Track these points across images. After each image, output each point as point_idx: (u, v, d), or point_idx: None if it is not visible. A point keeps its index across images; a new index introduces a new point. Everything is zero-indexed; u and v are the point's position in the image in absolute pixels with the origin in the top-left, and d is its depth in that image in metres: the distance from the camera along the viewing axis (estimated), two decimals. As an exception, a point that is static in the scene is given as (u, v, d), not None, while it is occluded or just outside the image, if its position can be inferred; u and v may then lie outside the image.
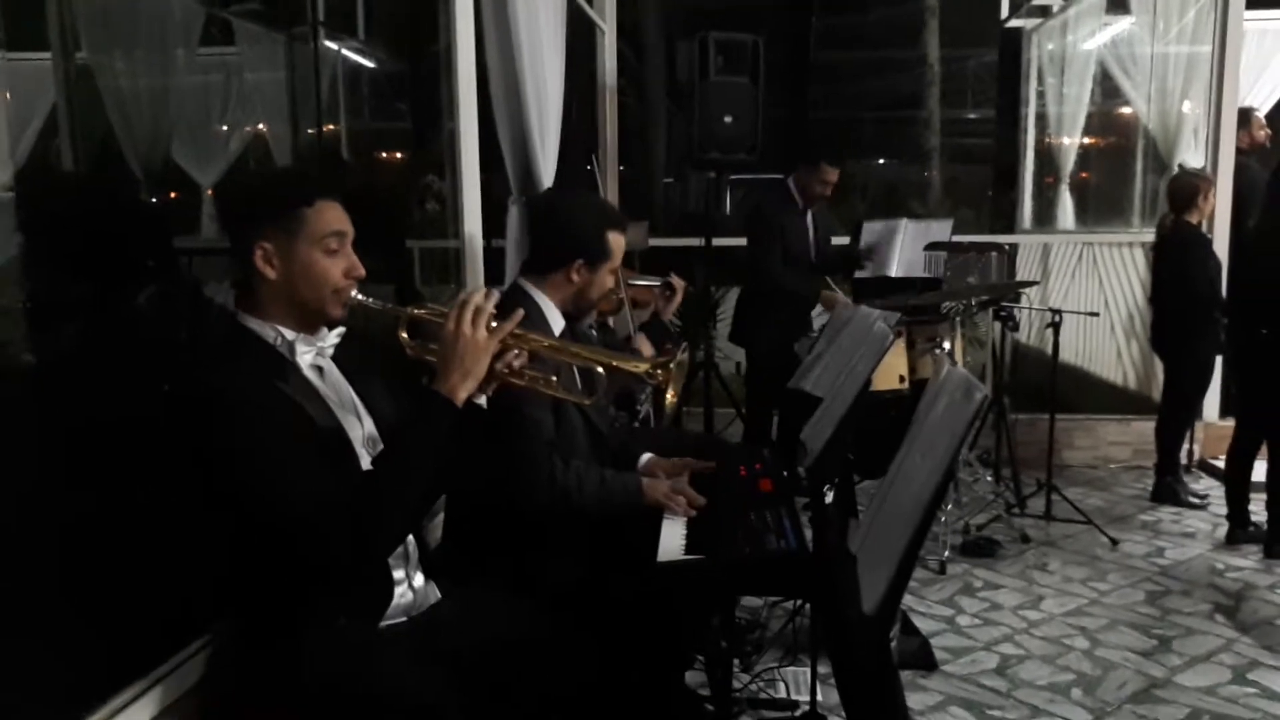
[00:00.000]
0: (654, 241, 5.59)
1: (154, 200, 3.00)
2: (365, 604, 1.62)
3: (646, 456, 2.44)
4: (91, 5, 2.84)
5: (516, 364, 1.65)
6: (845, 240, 4.91)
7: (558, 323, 2.28)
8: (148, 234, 2.65)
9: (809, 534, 2.00)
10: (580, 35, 5.04)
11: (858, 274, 4.73)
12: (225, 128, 3.73)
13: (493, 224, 3.34)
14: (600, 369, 1.74)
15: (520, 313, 1.66)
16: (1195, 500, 4.53)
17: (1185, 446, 4.82)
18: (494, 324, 1.59)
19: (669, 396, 1.75)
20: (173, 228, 3.09)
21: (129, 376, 1.93)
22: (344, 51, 5.50)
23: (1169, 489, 4.58)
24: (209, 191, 3.50)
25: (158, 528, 1.80)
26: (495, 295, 1.62)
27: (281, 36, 3.97)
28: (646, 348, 3.06)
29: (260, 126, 4.01)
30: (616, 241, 2.30)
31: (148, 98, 2.96)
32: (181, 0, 3.28)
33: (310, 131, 3.90)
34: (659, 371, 1.73)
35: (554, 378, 1.73)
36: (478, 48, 3.02)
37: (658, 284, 3.47)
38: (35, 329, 1.88)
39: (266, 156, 4.02)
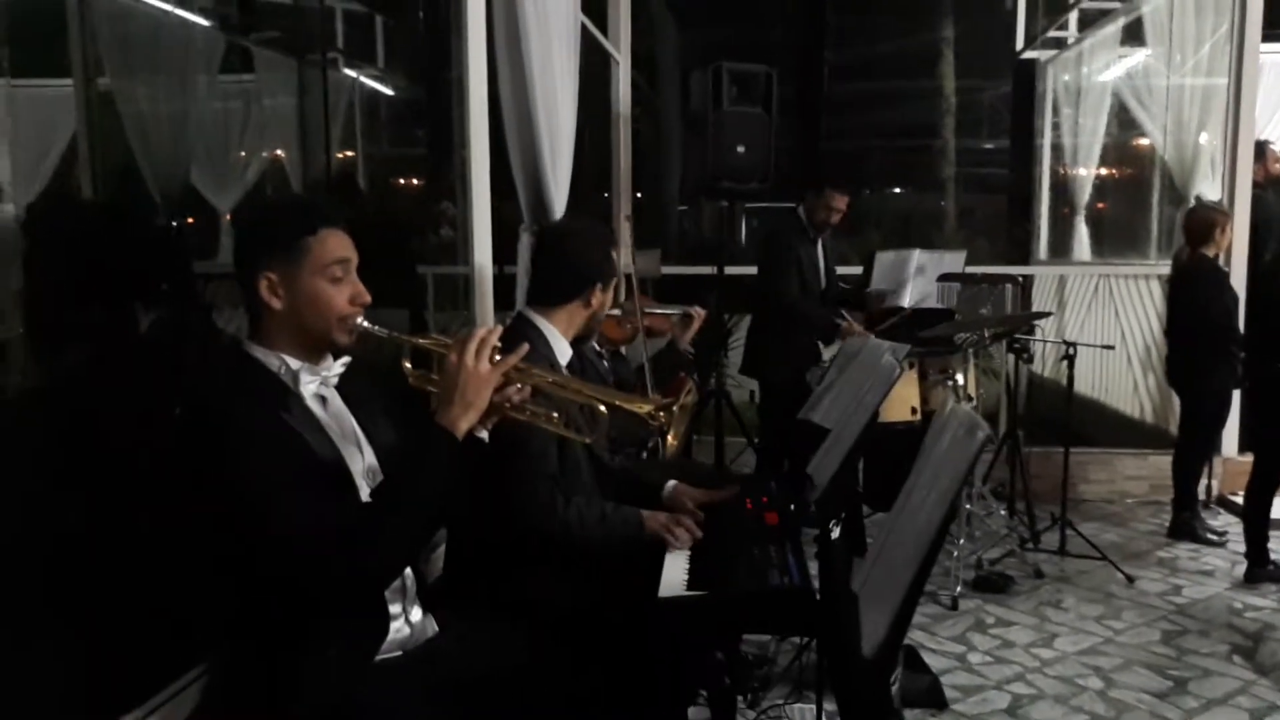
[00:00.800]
0: (666, 269, 5.60)
1: (171, 225, 3.02)
2: (360, 638, 1.60)
3: (671, 484, 2.43)
4: (114, 32, 2.88)
5: (517, 398, 1.64)
6: (858, 270, 4.89)
7: (564, 352, 2.28)
8: (162, 259, 2.67)
9: (815, 568, 1.98)
10: (595, 65, 5.08)
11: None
12: (243, 153, 3.77)
13: (504, 251, 3.35)
14: (603, 408, 1.72)
15: (525, 347, 1.66)
16: (1214, 537, 4.47)
17: (1204, 482, 4.76)
18: (497, 357, 1.58)
19: (670, 440, 1.72)
20: (188, 253, 3.12)
21: (133, 402, 1.93)
22: (362, 79, 5.55)
23: (1187, 525, 4.52)
24: (227, 216, 3.53)
25: (155, 556, 1.79)
26: (499, 330, 1.61)
27: (299, 64, 4.01)
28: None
29: (279, 152, 4.06)
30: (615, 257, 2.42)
31: (168, 123, 3.00)
32: (203, 28, 3.33)
33: (324, 157, 3.94)
34: (662, 414, 1.70)
35: (555, 414, 1.72)
36: (491, 76, 3.04)
37: (675, 313, 3.47)
38: (44, 353, 1.89)
39: (284, 182, 4.06)
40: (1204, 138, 5.32)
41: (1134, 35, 6.15)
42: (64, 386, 1.93)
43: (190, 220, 3.33)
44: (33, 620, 1.60)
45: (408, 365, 1.66)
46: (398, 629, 1.67)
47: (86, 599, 1.72)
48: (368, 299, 1.63)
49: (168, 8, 3.10)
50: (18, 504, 1.66)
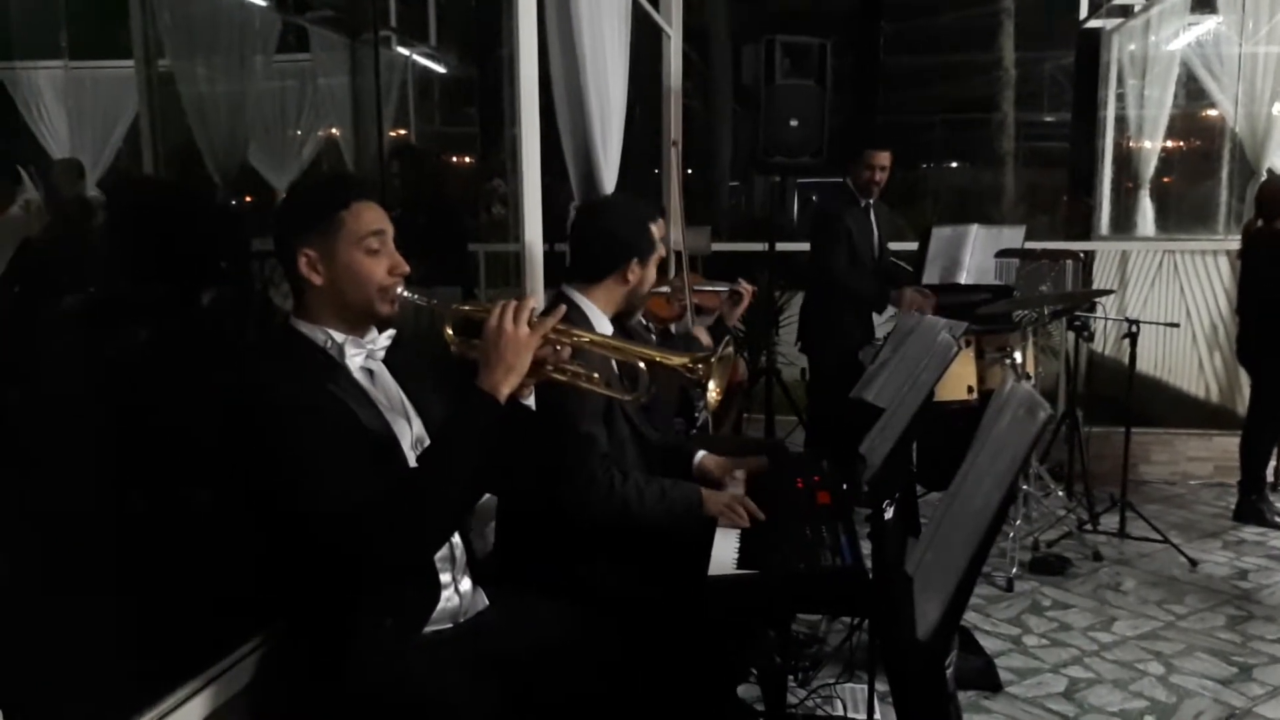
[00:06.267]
0: (718, 246, 5.56)
1: (230, 202, 3.08)
2: (411, 606, 1.62)
3: (701, 454, 2.42)
4: (174, 14, 2.92)
5: (556, 360, 1.64)
6: (913, 246, 4.81)
7: (605, 328, 2.28)
8: (220, 236, 2.71)
9: (867, 549, 1.95)
10: (646, 39, 5.03)
11: (925, 281, 4.62)
12: (300, 132, 3.82)
13: (555, 228, 3.35)
14: (641, 364, 1.71)
15: (562, 308, 1.67)
16: (1282, 520, 4.34)
17: (1272, 463, 4.61)
18: (536, 319, 1.58)
19: (713, 393, 1.70)
20: (246, 231, 3.17)
21: (188, 379, 1.97)
22: (415, 57, 5.59)
23: (1253, 508, 4.39)
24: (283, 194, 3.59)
25: (213, 528, 1.83)
26: (536, 297, 1.62)
27: (353, 42, 4.05)
28: (705, 337, 3.07)
29: (334, 130, 4.11)
30: (659, 232, 2.34)
31: (226, 103, 3.04)
32: (260, 8, 3.36)
33: (378, 135, 3.97)
34: (699, 366, 1.68)
35: (595, 374, 1.72)
36: (541, 53, 3.03)
37: (724, 289, 3.44)
38: (102, 331, 1.93)
39: (339, 159, 4.11)
40: (1277, 108, 5.12)
41: (1204, 2, 5.93)
42: (128, 362, 1.98)
43: (248, 199, 3.39)
44: (91, 595, 1.64)
45: (449, 332, 1.66)
46: (447, 598, 1.68)
47: (143, 573, 1.76)
48: (406, 269, 1.64)
49: (226, -12, 3.14)
50: (76, 478, 1.69)
